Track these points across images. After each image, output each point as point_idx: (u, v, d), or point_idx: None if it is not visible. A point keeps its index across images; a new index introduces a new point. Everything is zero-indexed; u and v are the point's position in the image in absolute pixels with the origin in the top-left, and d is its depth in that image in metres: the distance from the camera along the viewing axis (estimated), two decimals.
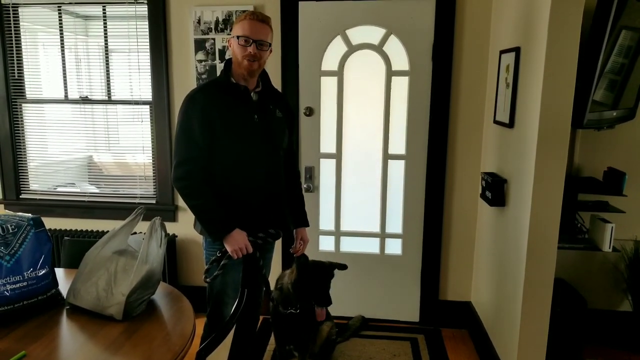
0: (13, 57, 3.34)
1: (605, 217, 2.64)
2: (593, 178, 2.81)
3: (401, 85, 3.05)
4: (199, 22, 3.07)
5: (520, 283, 2.31)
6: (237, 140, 2.01)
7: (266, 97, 2.12)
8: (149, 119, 3.30)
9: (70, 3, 3.24)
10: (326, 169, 3.21)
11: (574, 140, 2.83)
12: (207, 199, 1.99)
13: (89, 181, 3.59)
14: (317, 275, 2.26)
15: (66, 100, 3.40)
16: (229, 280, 2.10)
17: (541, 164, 2.17)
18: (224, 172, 2.03)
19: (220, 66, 3.08)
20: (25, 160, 3.50)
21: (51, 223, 3.40)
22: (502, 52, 2.67)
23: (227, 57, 3.03)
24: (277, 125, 2.14)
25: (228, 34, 3.05)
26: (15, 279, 1.65)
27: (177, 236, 3.33)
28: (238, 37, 1.98)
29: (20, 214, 1.78)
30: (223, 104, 2.00)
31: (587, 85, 2.31)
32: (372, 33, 3.01)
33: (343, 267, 2.37)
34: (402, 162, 3.13)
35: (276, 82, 3.04)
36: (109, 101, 3.36)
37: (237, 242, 1.99)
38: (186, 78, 3.16)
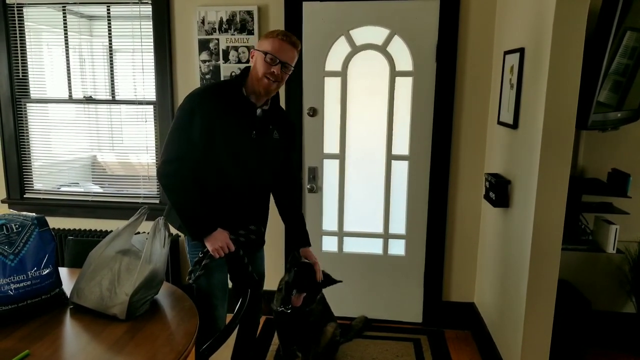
0: (17, 57, 3.36)
1: (610, 219, 2.64)
2: (597, 179, 2.80)
3: (405, 86, 3.04)
4: (202, 22, 3.07)
5: (524, 284, 2.30)
6: (231, 151, 2.00)
7: (270, 116, 2.10)
8: (152, 119, 3.31)
9: (74, 3, 3.25)
10: (329, 169, 3.20)
11: (578, 142, 2.82)
12: (193, 198, 1.97)
13: (93, 181, 3.60)
14: (304, 269, 2.24)
15: (70, 100, 3.41)
16: (215, 282, 2.09)
17: (545, 165, 2.16)
18: (212, 177, 2.01)
19: (224, 67, 3.09)
20: (30, 160, 3.51)
21: (55, 222, 3.41)
22: (506, 52, 2.67)
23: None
24: (273, 145, 2.13)
25: (232, 35, 3.05)
26: (19, 278, 1.66)
27: (180, 236, 3.33)
28: (265, 53, 1.93)
29: (24, 213, 1.79)
30: (227, 112, 1.98)
31: (592, 86, 2.30)
32: (376, 33, 3.01)
33: (337, 282, 2.40)
34: (405, 163, 3.13)
35: None
36: (113, 101, 3.37)
37: (218, 241, 1.97)
38: (190, 78, 3.17)
